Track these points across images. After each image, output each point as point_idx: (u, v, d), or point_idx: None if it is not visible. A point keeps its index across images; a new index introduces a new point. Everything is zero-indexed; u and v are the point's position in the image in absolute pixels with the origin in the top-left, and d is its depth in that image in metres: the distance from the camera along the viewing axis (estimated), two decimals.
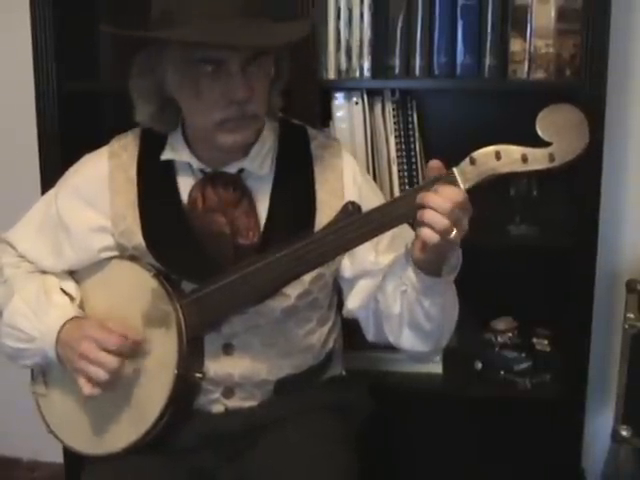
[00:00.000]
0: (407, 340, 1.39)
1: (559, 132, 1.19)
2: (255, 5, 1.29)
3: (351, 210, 1.29)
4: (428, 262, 1.26)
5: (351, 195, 1.43)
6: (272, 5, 1.33)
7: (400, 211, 1.23)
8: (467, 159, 1.21)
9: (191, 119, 1.39)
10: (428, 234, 1.18)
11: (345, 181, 1.46)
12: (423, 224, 1.19)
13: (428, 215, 1.18)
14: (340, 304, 1.57)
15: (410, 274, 1.30)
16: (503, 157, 1.20)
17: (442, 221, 1.17)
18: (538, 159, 1.20)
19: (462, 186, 1.21)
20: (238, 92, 1.28)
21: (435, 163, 1.23)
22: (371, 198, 1.45)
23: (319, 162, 1.46)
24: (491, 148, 1.21)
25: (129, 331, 1.35)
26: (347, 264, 1.45)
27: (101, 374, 1.32)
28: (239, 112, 1.31)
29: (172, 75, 1.34)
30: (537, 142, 1.20)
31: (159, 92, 1.38)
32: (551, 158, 1.19)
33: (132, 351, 1.36)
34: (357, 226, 1.27)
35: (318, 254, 1.30)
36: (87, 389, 1.34)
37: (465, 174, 1.21)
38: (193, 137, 1.42)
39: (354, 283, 1.46)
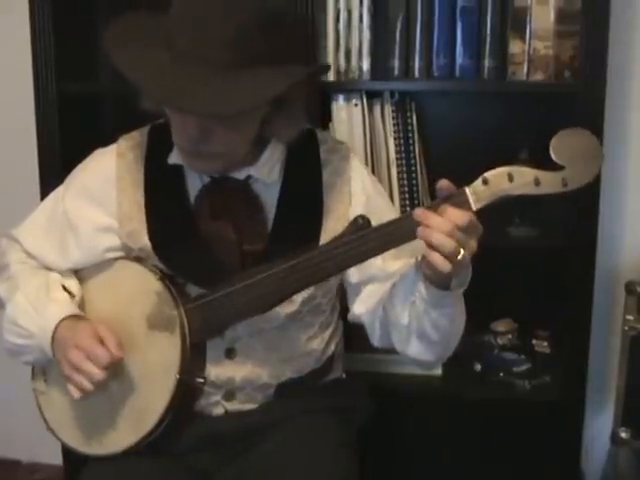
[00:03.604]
0: (414, 349, 1.38)
1: (573, 157, 1.17)
2: (244, 51, 1.22)
3: (360, 224, 1.27)
4: (438, 277, 1.24)
5: (359, 202, 1.43)
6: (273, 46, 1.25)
7: (409, 228, 1.21)
8: (480, 179, 1.19)
9: None
10: (436, 258, 1.16)
11: (353, 187, 1.44)
12: (432, 247, 1.16)
13: (437, 238, 1.15)
14: (343, 309, 1.56)
15: (420, 287, 1.29)
16: (516, 179, 1.18)
17: (450, 244, 1.15)
18: (551, 183, 1.18)
19: (473, 206, 1.19)
20: (188, 130, 1.26)
21: (444, 183, 1.20)
22: (380, 206, 1.45)
23: (327, 167, 1.45)
24: (504, 169, 1.18)
25: (119, 343, 1.34)
26: (353, 270, 1.42)
27: (86, 384, 1.32)
28: (193, 148, 1.30)
29: None
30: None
31: None
32: (564, 183, 1.17)
33: (119, 366, 1.36)
34: (365, 241, 1.25)
35: (324, 268, 1.28)
36: (75, 393, 1.34)
37: (477, 194, 1.19)
38: None
39: (360, 288, 1.45)
